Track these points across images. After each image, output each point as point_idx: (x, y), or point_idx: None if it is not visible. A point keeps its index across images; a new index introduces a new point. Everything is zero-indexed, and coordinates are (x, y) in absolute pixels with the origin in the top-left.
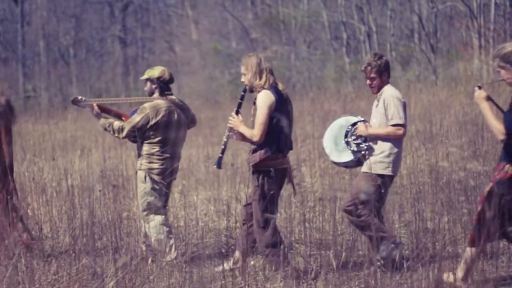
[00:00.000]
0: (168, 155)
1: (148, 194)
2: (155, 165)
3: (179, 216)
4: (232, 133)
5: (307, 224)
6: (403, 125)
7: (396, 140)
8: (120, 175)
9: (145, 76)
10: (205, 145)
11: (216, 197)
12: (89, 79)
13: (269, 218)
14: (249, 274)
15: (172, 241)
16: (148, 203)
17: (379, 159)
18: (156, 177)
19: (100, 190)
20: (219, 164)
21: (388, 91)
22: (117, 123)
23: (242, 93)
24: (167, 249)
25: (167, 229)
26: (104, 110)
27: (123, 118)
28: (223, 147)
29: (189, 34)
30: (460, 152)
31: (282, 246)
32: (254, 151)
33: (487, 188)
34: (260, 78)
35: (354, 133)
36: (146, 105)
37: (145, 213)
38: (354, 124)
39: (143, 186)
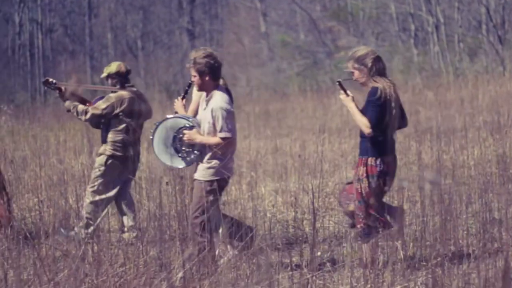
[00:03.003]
0: (130, 142)
1: (102, 176)
2: (118, 153)
3: (247, 207)
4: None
5: None
6: (231, 138)
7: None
8: (186, 167)
9: (104, 74)
10: (273, 137)
11: (284, 188)
12: (157, 72)
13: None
14: (317, 265)
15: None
16: (99, 184)
17: (208, 165)
18: (118, 163)
19: (167, 182)
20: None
21: (217, 99)
22: (81, 106)
23: (190, 82)
24: (125, 229)
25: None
26: (72, 95)
27: (87, 104)
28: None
29: (257, 26)
30: None
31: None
32: None
33: (364, 184)
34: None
35: (182, 139)
36: (112, 95)
37: (92, 190)
38: (181, 128)
39: (101, 168)
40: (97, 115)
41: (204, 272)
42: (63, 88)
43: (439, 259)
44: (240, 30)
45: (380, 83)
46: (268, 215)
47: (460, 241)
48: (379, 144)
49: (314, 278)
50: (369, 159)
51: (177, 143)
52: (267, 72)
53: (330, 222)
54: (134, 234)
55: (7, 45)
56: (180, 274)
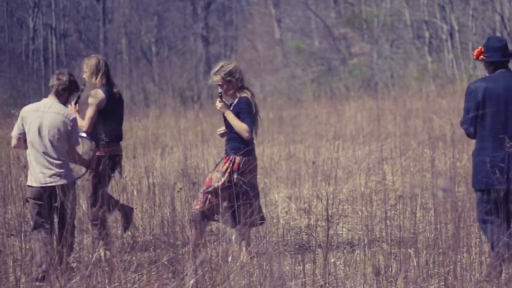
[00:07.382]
0: None
1: None
2: None
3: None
4: None
5: (388, 222)
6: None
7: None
8: (201, 173)
9: None
10: (286, 143)
11: (297, 195)
12: (171, 77)
13: (98, 196)
14: (330, 272)
15: None
16: None
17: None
18: None
19: (181, 188)
20: None
21: None
22: None
23: (82, 87)
24: None
25: None
26: None
27: None
28: None
29: (271, 32)
30: None
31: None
32: None
33: (222, 181)
34: (96, 77)
35: None
36: None
37: None
38: None
39: None
40: None
41: (217, 278)
42: None
43: (452, 266)
44: (255, 36)
45: (248, 94)
46: (282, 221)
47: (473, 249)
48: (246, 146)
49: (327, 285)
50: (237, 157)
51: None
52: (281, 78)
53: (344, 229)
54: None
55: (21, 50)
56: (192, 281)
